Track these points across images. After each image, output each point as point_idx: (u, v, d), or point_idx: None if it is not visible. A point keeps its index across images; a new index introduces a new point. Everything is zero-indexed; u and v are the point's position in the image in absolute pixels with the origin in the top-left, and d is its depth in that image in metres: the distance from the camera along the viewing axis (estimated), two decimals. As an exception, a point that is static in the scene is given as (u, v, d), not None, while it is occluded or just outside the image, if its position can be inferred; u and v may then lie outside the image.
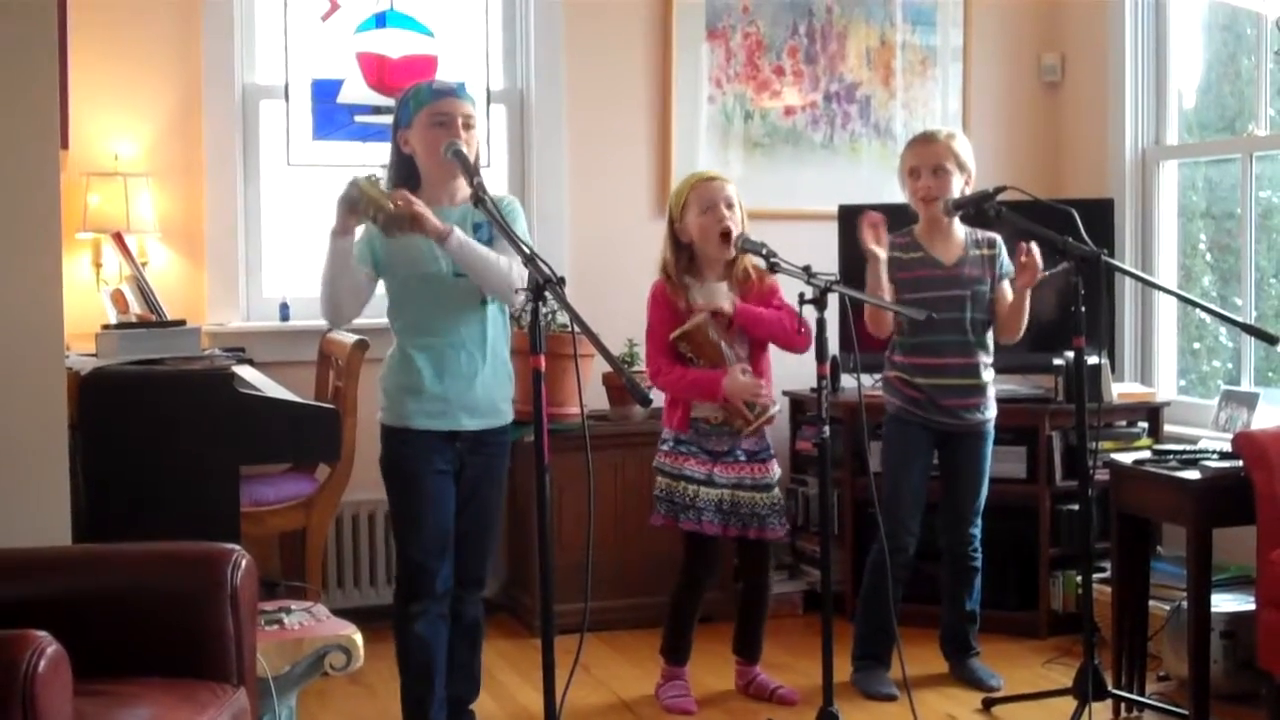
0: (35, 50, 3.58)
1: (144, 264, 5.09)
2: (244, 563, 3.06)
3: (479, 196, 3.47)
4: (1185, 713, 4.05)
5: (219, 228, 5.41)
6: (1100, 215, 5.28)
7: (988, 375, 4.63)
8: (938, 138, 4.62)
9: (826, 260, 4.77)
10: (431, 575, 3.84)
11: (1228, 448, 4.12)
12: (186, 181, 5.37)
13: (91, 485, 3.94)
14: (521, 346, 4.24)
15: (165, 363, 4.20)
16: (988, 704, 4.46)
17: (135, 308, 4.68)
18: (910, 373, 4.59)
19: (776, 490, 4.49)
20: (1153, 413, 5.43)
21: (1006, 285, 4.60)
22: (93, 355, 4.34)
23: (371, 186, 3.58)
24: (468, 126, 3.78)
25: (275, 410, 4.18)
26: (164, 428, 3.99)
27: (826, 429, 3.92)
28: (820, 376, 3.89)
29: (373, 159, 5.49)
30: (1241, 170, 5.46)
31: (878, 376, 4.82)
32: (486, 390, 3.88)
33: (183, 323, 4.62)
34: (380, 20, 5.63)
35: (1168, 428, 5.41)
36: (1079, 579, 4.63)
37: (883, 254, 4.44)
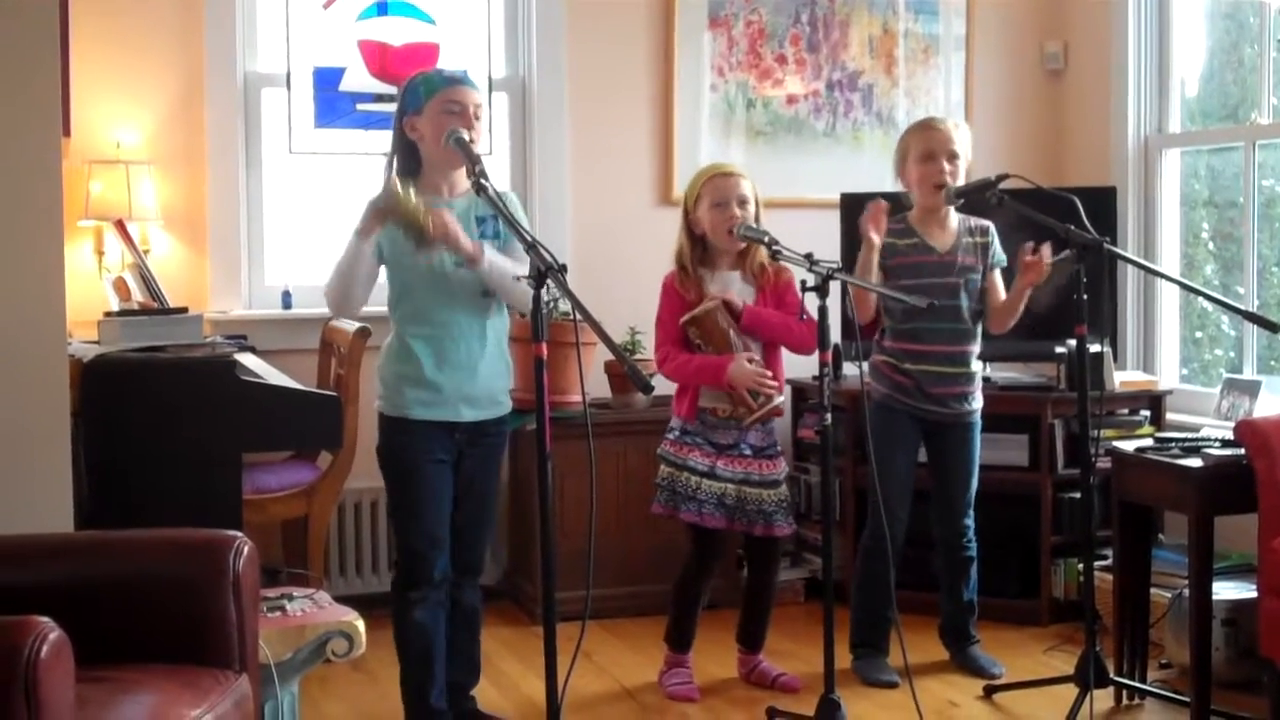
0: (37, 38, 3.58)
1: (146, 251, 5.09)
2: (246, 549, 3.06)
3: (480, 184, 3.47)
4: (1187, 700, 4.05)
5: (221, 215, 5.41)
6: (1103, 203, 5.27)
7: (977, 365, 4.63)
8: (947, 124, 4.61)
9: (829, 248, 4.75)
10: (430, 564, 3.85)
11: (1230, 436, 4.11)
12: (188, 169, 5.37)
13: (94, 472, 3.94)
14: (523, 334, 4.25)
15: (167, 350, 4.20)
16: (989, 691, 4.46)
17: (137, 295, 4.68)
18: (900, 359, 4.57)
19: (784, 487, 4.48)
20: (1155, 401, 5.44)
21: (997, 275, 4.59)
22: (95, 343, 4.34)
23: (407, 200, 3.56)
24: (478, 116, 3.79)
25: (277, 398, 4.18)
26: (166, 415, 3.98)
27: (829, 416, 3.92)
28: (822, 364, 3.90)
29: (374, 146, 5.50)
30: (1244, 159, 5.46)
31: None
32: (486, 380, 3.88)
33: (185, 310, 4.62)
34: (382, 8, 5.63)
35: (1170, 416, 5.42)
36: (1081, 567, 4.63)
37: (878, 241, 4.42)
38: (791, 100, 6.04)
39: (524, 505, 5.39)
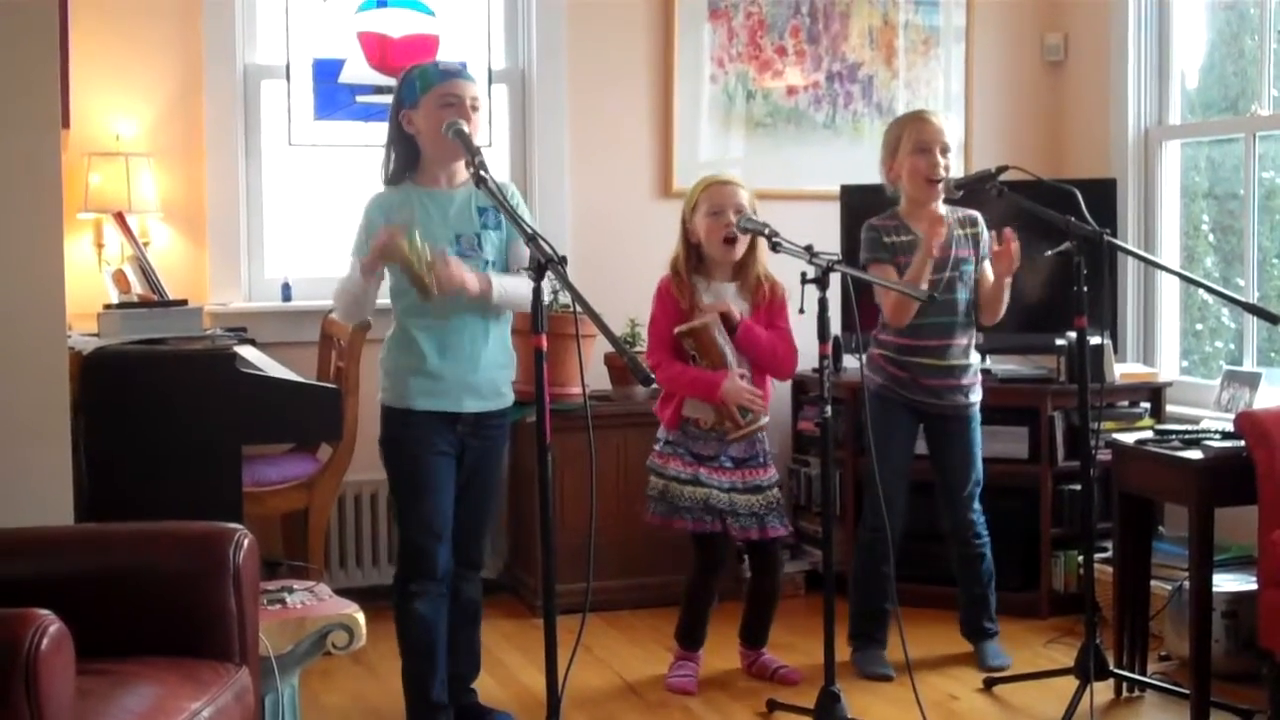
0: (36, 29, 3.56)
1: (146, 244, 5.09)
2: (246, 542, 3.06)
3: (480, 176, 3.47)
4: (1186, 692, 4.05)
5: (220, 208, 5.40)
6: (1103, 195, 5.27)
7: (974, 357, 4.63)
8: (938, 116, 4.61)
9: (828, 240, 4.76)
10: (432, 556, 3.84)
11: (1230, 428, 4.11)
12: (188, 161, 5.36)
13: (94, 465, 3.94)
14: (523, 326, 4.24)
15: (167, 343, 4.19)
16: (989, 684, 4.46)
17: (137, 288, 4.68)
18: (899, 351, 4.56)
19: (774, 490, 4.48)
20: (1155, 393, 5.44)
21: (988, 265, 4.59)
22: (95, 335, 4.33)
23: (414, 251, 3.60)
24: (475, 108, 3.78)
25: (277, 390, 4.18)
26: (166, 408, 3.98)
27: (829, 409, 3.92)
28: (822, 356, 3.90)
29: (374, 138, 5.48)
30: (1244, 150, 5.45)
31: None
32: (488, 371, 3.88)
33: (184, 303, 4.62)
34: (382, 0, 5.62)
35: (1170, 408, 5.42)
36: (1081, 559, 4.63)
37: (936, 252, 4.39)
38: (791, 92, 6.04)
39: (524, 497, 5.39)
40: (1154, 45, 5.88)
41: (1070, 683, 4.14)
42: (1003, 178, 4.25)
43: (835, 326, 4.08)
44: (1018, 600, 5.21)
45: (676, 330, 4.35)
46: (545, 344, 3.21)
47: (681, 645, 4.60)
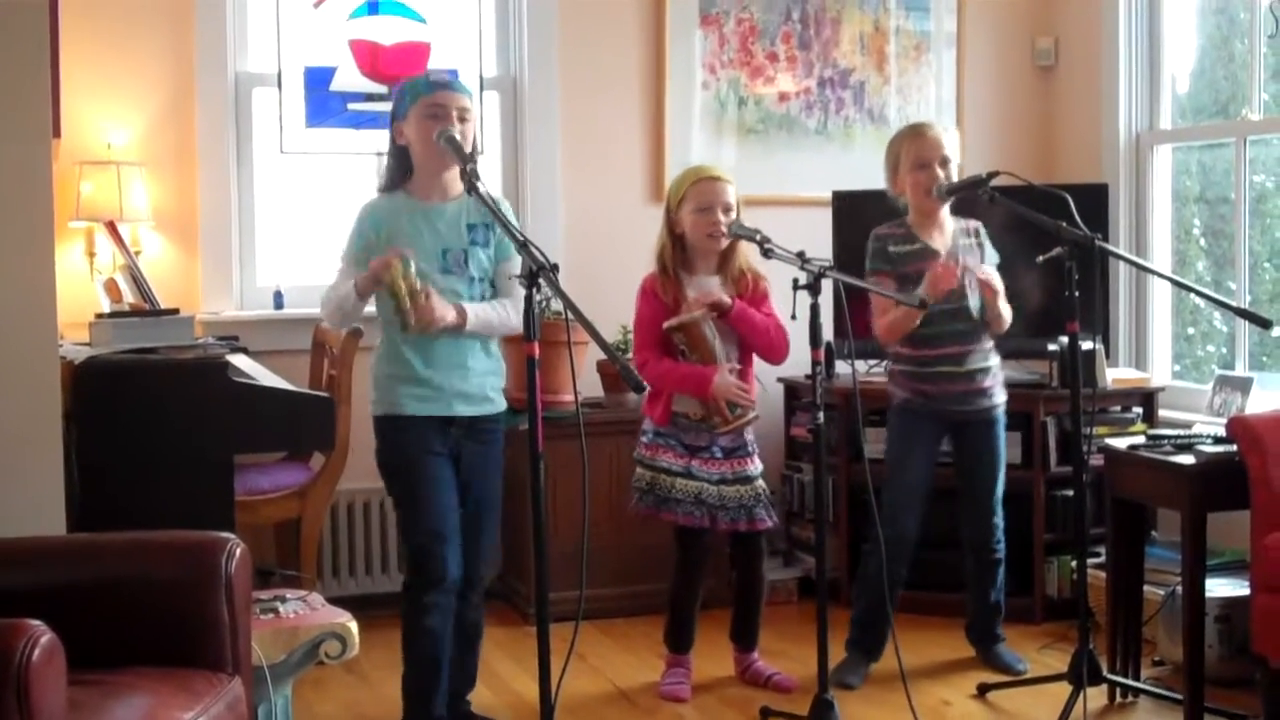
0: (27, 38, 3.56)
1: (137, 253, 5.09)
2: (238, 551, 3.05)
3: (471, 184, 3.48)
4: (1180, 698, 4.05)
5: (212, 216, 5.40)
6: (1094, 200, 5.28)
7: (994, 359, 4.63)
8: (936, 129, 4.62)
9: (820, 246, 4.76)
10: (439, 559, 3.80)
11: (1222, 432, 4.11)
12: (179, 170, 5.36)
13: (85, 474, 3.93)
14: (515, 334, 4.24)
15: (159, 351, 4.18)
16: (983, 690, 4.46)
17: (129, 296, 4.67)
18: (920, 364, 4.57)
19: (760, 482, 4.49)
20: (1147, 398, 5.44)
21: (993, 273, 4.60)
22: (86, 344, 4.33)
23: (406, 281, 3.63)
24: (463, 119, 3.79)
25: (269, 399, 4.17)
26: (158, 416, 3.97)
27: (821, 415, 3.92)
28: (815, 362, 3.90)
29: (366, 146, 5.50)
30: (1235, 155, 5.46)
31: (880, 363, 4.80)
32: (478, 378, 3.89)
33: (176, 311, 4.61)
34: (373, 7, 5.62)
35: (1162, 413, 5.42)
36: (1074, 564, 4.63)
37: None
38: (783, 98, 6.04)
39: (516, 505, 5.36)
40: (1145, 50, 5.88)
41: (1064, 688, 4.14)
42: (994, 183, 4.26)
43: (827, 333, 4.08)
44: (1011, 605, 5.17)
45: (666, 325, 4.35)
46: (537, 351, 3.21)
47: (670, 649, 4.60)
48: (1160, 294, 5.86)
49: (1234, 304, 4.55)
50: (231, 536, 3.09)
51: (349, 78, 5.61)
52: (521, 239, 3.27)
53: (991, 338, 4.62)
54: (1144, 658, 4.45)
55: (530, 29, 5.74)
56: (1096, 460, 4.55)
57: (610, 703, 4.49)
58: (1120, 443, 4.36)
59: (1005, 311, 4.52)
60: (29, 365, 3.58)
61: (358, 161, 5.54)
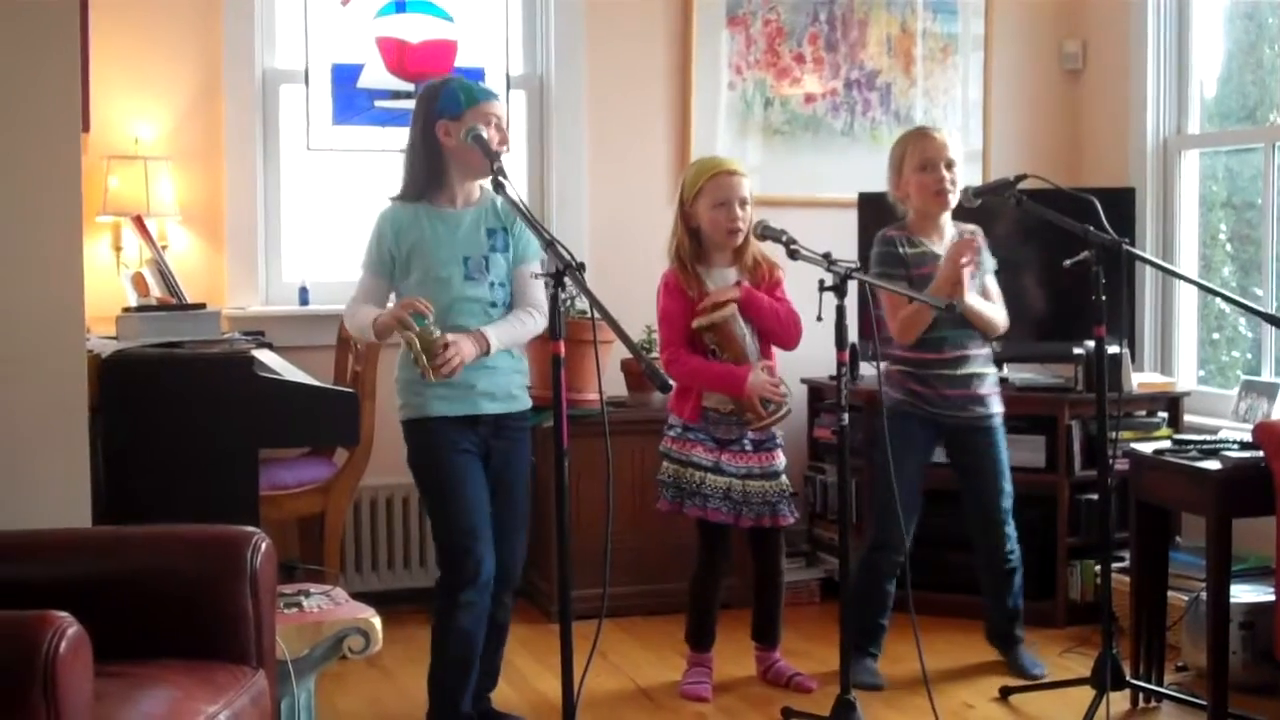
0: (56, 33, 3.58)
1: (164, 247, 5.10)
2: (263, 545, 3.06)
3: (499, 182, 3.50)
4: (1204, 703, 4.03)
5: (239, 212, 5.42)
6: (1121, 204, 5.27)
7: (992, 369, 4.62)
8: (940, 132, 4.62)
9: (846, 248, 4.75)
10: (474, 556, 3.80)
11: (1248, 438, 4.10)
12: (207, 165, 5.38)
13: (111, 467, 3.95)
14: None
15: (185, 346, 4.21)
16: (1005, 693, 4.45)
17: (155, 291, 4.69)
18: (917, 366, 4.56)
19: (784, 478, 4.48)
20: (1173, 402, 5.42)
21: (989, 279, 4.59)
22: (113, 338, 4.35)
23: (424, 337, 3.64)
24: (499, 128, 3.82)
25: (294, 394, 4.18)
26: (184, 411, 3.99)
27: (846, 416, 3.91)
28: (840, 364, 3.89)
29: (392, 143, 5.50)
30: (1263, 160, 5.44)
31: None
32: (503, 376, 3.90)
33: (203, 306, 4.63)
34: (400, 5, 5.63)
35: (1187, 418, 5.40)
36: (1098, 568, 4.62)
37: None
38: (809, 99, 6.04)
39: (540, 503, 5.35)
40: (1173, 54, 5.86)
41: (1087, 693, 4.13)
42: (1021, 186, 4.25)
43: (852, 334, 4.07)
44: (1034, 609, 5.17)
45: (696, 323, 4.34)
46: (563, 350, 3.21)
47: (691, 647, 4.59)
48: (1186, 299, 5.84)
49: (1260, 309, 4.53)
50: (257, 531, 3.10)
51: (376, 75, 5.62)
52: (549, 238, 3.28)
53: (988, 344, 4.60)
54: (1167, 663, 4.43)
55: (557, 28, 5.75)
56: (1121, 465, 4.54)
57: (631, 701, 4.49)
58: (1145, 447, 4.35)
59: (995, 315, 4.52)
60: (56, 358, 3.60)
61: (384, 159, 5.55)
